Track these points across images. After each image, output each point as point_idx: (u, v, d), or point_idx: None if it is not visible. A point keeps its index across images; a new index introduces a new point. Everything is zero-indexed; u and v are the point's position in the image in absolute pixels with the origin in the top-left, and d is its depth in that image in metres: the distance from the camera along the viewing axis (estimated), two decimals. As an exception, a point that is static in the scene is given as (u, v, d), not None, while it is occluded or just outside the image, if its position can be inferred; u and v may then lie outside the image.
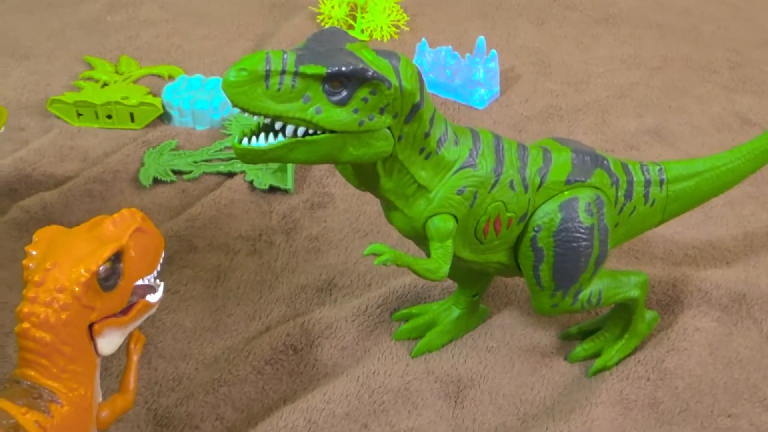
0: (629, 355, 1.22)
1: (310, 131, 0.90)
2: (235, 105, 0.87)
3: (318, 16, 2.07)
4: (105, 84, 1.77)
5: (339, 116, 0.90)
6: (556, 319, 1.28)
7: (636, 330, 1.21)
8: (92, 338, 0.88)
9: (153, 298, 0.93)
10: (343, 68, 0.87)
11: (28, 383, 0.86)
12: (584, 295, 1.11)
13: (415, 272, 0.99)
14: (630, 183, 1.12)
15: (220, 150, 1.60)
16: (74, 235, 0.89)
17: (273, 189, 1.52)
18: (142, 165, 1.57)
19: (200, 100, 1.67)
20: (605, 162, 1.10)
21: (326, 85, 0.88)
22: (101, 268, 0.85)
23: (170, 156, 1.59)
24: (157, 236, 0.92)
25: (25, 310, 0.85)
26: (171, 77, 1.84)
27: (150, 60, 1.92)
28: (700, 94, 1.84)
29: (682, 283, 1.31)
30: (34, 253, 0.87)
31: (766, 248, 1.42)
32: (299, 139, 0.90)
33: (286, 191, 1.51)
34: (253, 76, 0.86)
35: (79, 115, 1.69)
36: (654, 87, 1.87)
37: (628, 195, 1.12)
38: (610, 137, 1.70)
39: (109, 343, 0.90)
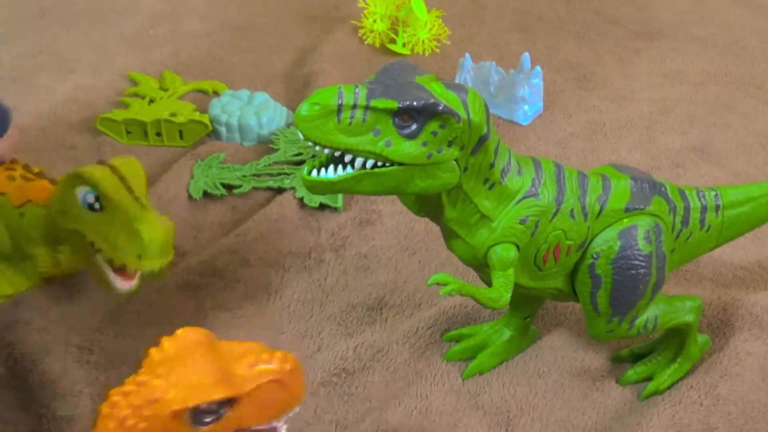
0: (681, 379, 1.22)
1: (379, 163, 0.92)
2: (307, 138, 0.88)
3: (360, 30, 2.08)
4: (151, 100, 1.79)
5: (408, 149, 0.91)
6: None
7: (689, 354, 1.21)
8: None
9: None
10: (415, 103, 0.89)
11: None
12: (640, 321, 1.12)
13: (477, 301, 1.00)
14: (687, 209, 1.12)
15: (269, 165, 1.62)
16: (211, 353, 0.82)
17: (322, 206, 1.53)
18: (192, 177, 1.59)
19: (247, 116, 1.69)
20: (663, 189, 1.11)
21: (396, 119, 0.90)
22: (202, 405, 0.79)
23: (218, 169, 1.60)
24: (295, 393, 0.84)
25: (113, 398, 0.80)
26: (215, 93, 1.86)
27: (192, 74, 1.93)
28: (744, 110, 1.84)
29: (732, 306, 1.31)
30: (165, 346, 0.83)
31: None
32: (368, 171, 0.92)
33: (335, 209, 1.52)
34: (325, 110, 0.87)
35: (128, 132, 1.71)
36: (698, 103, 1.86)
37: (685, 221, 1.12)
38: (654, 154, 1.70)
39: None
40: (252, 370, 0.81)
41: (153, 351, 0.82)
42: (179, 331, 0.83)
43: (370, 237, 1.49)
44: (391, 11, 2.06)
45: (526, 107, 1.79)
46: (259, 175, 1.60)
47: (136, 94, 1.84)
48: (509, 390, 1.22)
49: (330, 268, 1.43)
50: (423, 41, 2.02)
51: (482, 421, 1.18)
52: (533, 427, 1.17)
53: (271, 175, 1.60)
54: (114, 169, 1.12)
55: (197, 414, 0.80)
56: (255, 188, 1.58)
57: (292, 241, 1.47)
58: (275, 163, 1.62)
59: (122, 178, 1.11)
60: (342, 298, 1.37)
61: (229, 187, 1.58)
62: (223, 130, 1.70)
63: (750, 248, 1.46)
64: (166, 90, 1.85)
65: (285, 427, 0.86)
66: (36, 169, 1.27)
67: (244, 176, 1.60)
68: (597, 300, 1.09)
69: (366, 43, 2.06)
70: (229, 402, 0.80)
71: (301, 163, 1.63)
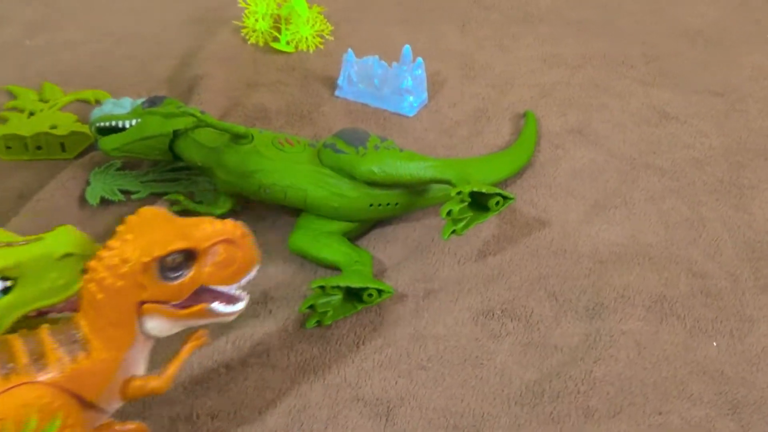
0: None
1: None
2: None
3: (242, 30, 2.07)
4: (32, 113, 1.75)
5: None
6: (490, 330, 1.32)
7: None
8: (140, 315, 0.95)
9: (222, 308, 0.97)
10: None
11: (75, 330, 0.95)
12: None
13: None
14: None
15: (165, 170, 1.61)
16: (170, 222, 0.95)
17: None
18: (88, 184, 1.57)
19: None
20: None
21: None
22: (167, 258, 0.92)
23: (115, 176, 1.59)
24: (248, 255, 0.96)
25: (92, 264, 0.93)
26: (98, 102, 1.83)
27: (74, 84, 1.90)
28: (619, 90, 1.90)
29: (607, 285, 1.37)
30: (130, 220, 0.95)
31: (684, 242, 1.48)
32: None
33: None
34: None
35: (8, 148, 1.67)
36: (575, 85, 1.92)
37: None
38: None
39: (156, 327, 0.96)
40: (207, 230, 0.94)
41: (119, 226, 0.95)
42: (141, 209, 0.96)
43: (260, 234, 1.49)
44: (272, 9, 2.06)
45: (411, 98, 1.82)
46: (157, 181, 1.60)
47: (15, 108, 1.80)
48: (390, 382, 1.24)
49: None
50: (306, 38, 2.03)
51: (362, 412, 1.20)
52: (412, 416, 1.19)
53: (169, 181, 1.60)
54: None
55: (164, 270, 0.92)
56: (152, 193, 1.57)
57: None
58: (172, 168, 1.62)
59: None
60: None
61: (126, 193, 1.57)
62: (107, 140, 1.68)
63: (625, 224, 1.52)
64: (46, 101, 1.82)
65: (244, 301, 0.99)
66: None
67: (143, 182, 1.59)
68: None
69: (249, 43, 2.06)
70: (191, 259, 0.93)
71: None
